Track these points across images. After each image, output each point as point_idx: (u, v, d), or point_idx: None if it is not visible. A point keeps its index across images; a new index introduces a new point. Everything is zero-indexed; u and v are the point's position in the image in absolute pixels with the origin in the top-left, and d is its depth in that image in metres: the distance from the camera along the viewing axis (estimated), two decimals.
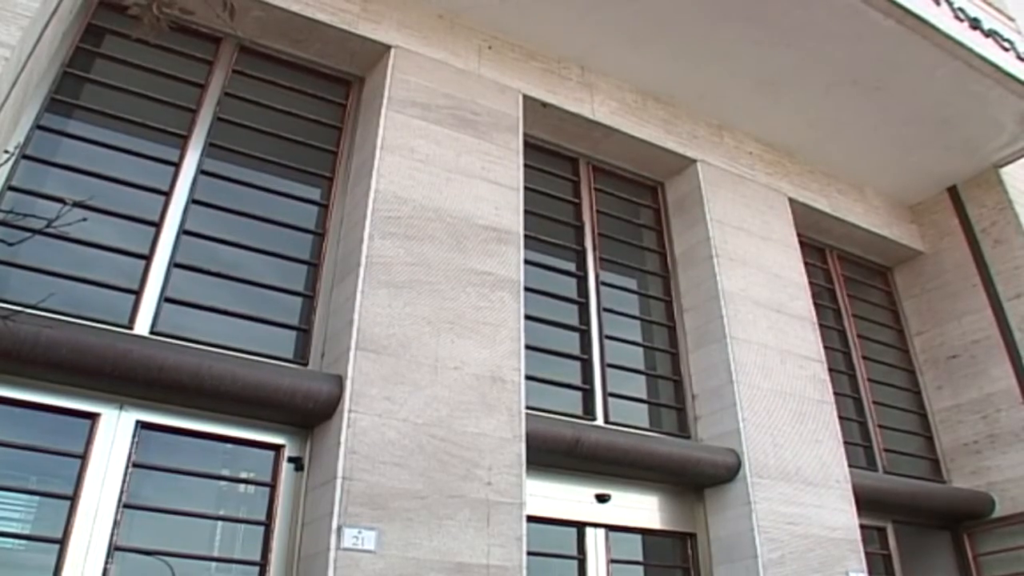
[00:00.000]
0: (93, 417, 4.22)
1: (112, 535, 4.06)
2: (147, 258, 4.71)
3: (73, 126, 4.90)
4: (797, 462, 6.03)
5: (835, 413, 6.53)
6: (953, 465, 7.82)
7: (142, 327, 4.53)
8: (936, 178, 8.40)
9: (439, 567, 4.30)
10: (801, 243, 7.36)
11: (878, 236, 8.28)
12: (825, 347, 6.88)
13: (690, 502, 5.99)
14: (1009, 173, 8.27)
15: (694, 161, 7.00)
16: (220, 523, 4.70)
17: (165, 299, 4.66)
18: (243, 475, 4.81)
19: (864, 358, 7.82)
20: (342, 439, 4.30)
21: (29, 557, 4.26)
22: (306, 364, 4.83)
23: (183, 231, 4.88)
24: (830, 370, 6.80)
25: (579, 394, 5.91)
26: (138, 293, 4.60)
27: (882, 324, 8.38)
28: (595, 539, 5.48)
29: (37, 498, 4.35)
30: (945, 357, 8.17)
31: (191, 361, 4.29)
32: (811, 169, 7.92)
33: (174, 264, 4.77)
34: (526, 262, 5.40)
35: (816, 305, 7.07)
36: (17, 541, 4.37)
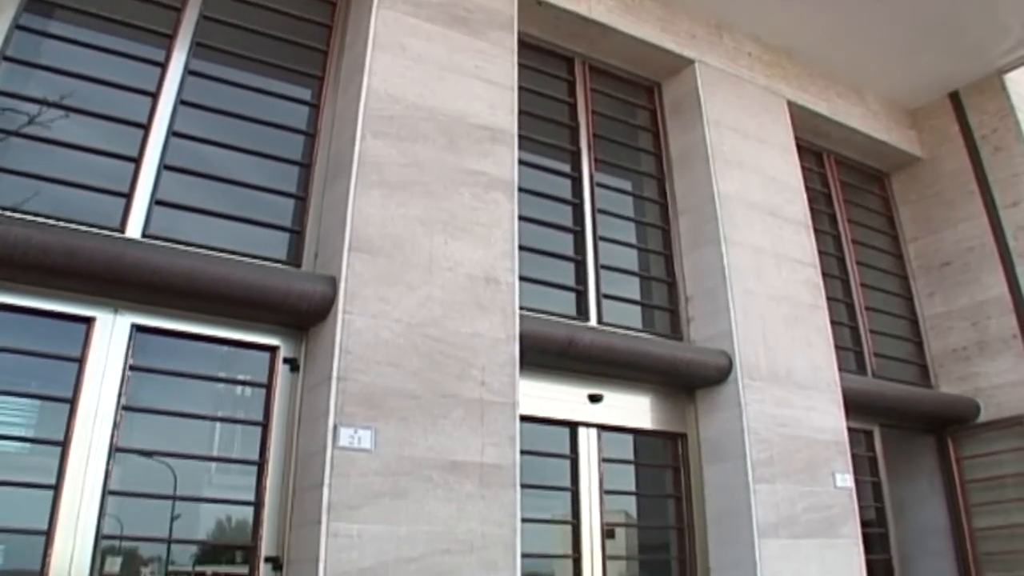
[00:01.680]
0: (89, 321, 4.22)
1: (112, 437, 4.11)
2: (136, 161, 4.63)
3: (55, 27, 4.77)
4: (788, 365, 6.10)
5: (827, 317, 6.57)
6: (941, 371, 7.93)
7: (134, 230, 4.50)
8: (938, 83, 8.27)
9: (434, 465, 4.38)
10: (798, 147, 7.28)
11: (876, 141, 8.20)
12: (819, 252, 6.87)
13: (681, 403, 6.08)
14: (1013, 80, 8.13)
15: (692, 61, 6.86)
16: (218, 425, 4.76)
17: (156, 202, 4.61)
18: (239, 377, 4.84)
19: (858, 263, 7.84)
20: (336, 340, 4.31)
21: (32, 460, 4.33)
22: (299, 266, 4.82)
23: (172, 133, 4.79)
24: (823, 275, 6.81)
25: (573, 295, 5.92)
26: (128, 196, 4.55)
27: (877, 230, 8.38)
28: (587, 438, 5.58)
29: (38, 403, 4.41)
30: (938, 264, 8.20)
31: (184, 263, 4.27)
32: (810, 72, 7.77)
33: (164, 166, 4.70)
34: (520, 162, 5.32)
35: (812, 209, 7.04)
36: (20, 444, 4.44)
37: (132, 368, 4.27)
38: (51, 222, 4.16)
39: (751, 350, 5.94)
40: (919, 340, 8.08)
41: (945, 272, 8.12)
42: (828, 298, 6.74)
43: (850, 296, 7.64)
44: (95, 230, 4.31)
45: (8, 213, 3.85)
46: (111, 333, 4.26)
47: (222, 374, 4.82)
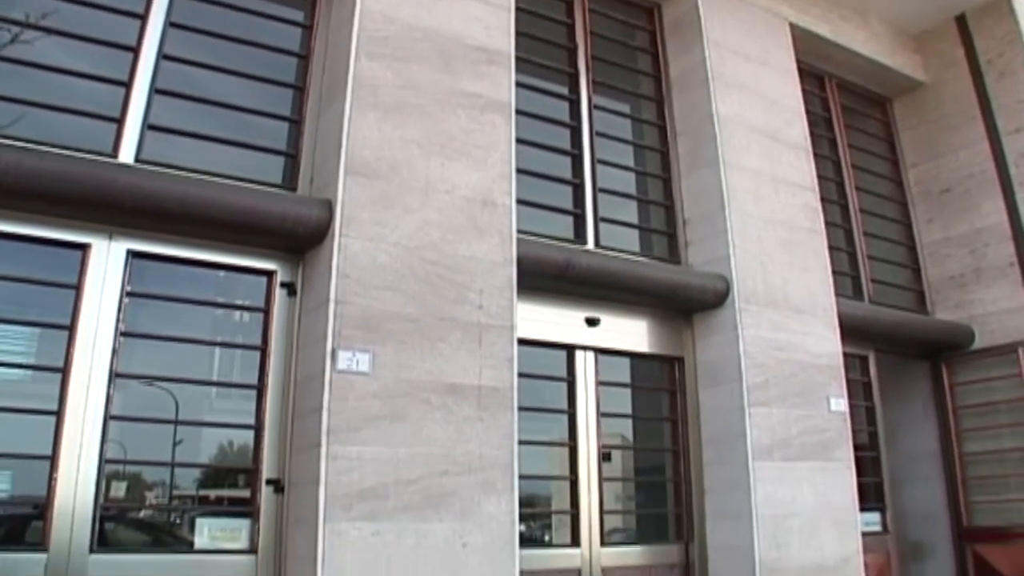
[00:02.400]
0: (84, 248, 4.20)
1: (112, 363, 4.13)
2: (126, 85, 4.55)
3: None
4: (785, 289, 6.10)
5: (825, 242, 6.56)
6: (938, 297, 7.95)
7: (126, 156, 4.44)
8: (944, 6, 8.10)
9: (432, 388, 4.41)
10: (800, 70, 7.15)
11: (879, 65, 8.05)
12: (819, 176, 6.82)
13: (678, 327, 6.10)
14: (1022, 3, 7.95)
15: None
16: (218, 351, 4.79)
17: (148, 126, 4.54)
18: (237, 303, 4.84)
19: (857, 188, 7.79)
20: (333, 264, 4.29)
21: (34, 388, 4.35)
22: (295, 190, 4.77)
23: (162, 56, 4.69)
24: (822, 199, 6.77)
25: (570, 219, 5.90)
26: (119, 121, 4.48)
27: (877, 155, 8.30)
28: (584, 361, 5.62)
29: (37, 331, 4.41)
30: (938, 190, 8.15)
31: (178, 188, 4.23)
32: None
33: (155, 90, 4.62)
34: (518, 85, 5.23)
35: (812, 133, 6.96)
36: (22, 372, 4.46)
37: (129, 294, 4.27)
38: (41, 148, 4.09)
39: (748, 274, 5.93)
40: (916, 266, 8.08)
41: (944, 199, 8.07)
42: (826, 223, 6.71)
43: (848, 221, 7.60)
44: (87, 155, 4.24)
45: None
46: (106, 259, 4.25)
47: (220, 300, 4.81)
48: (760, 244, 6.08)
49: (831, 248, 6.67)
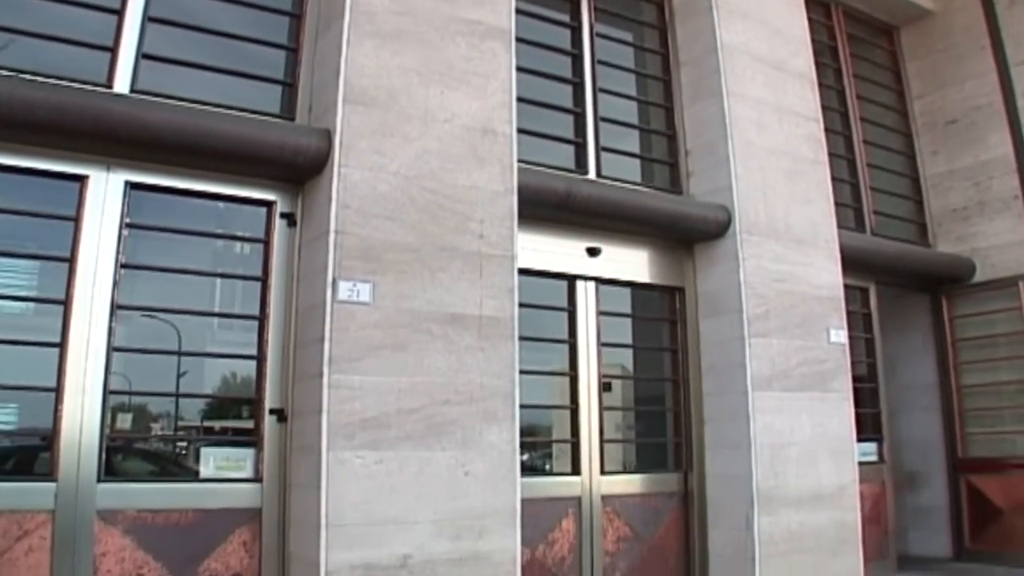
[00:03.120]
0: (81, 180, 4.17)
1: (113, 295, 4.13)
2: (119, 13, 4.45)
3: None
4: (787, 220, 6.08)
5: (828, 173, 6.50)
6: (940, 230, 7.93)
7: (121, 86, 4.37)
8: None
9: (433, 318, 4.42)
10: None
11: None
12: (823, 107, 6.72)
13: (679, 257, 6.10)
14: None
15: None
16: (219, 283, 4.79)
17: (142, 56, 4.46)
18: (237, 234, 4.82)
19: (861, 119, 7.70)
20: (333, 193, 4.27)
21: (37, 321, 4.36)
22: (293, 119, 4.71)
23: None
24: (826, 130, 6.69)
25: (571, 148, 5.85)
26: (113, 51, 4.40)
27: (883, 85, 8.19)
28: (585, 292, 5.63)
29: (38, 264, 4.40)
30: (943, 122, 8.06)
31: (175, 118, 4.19)
32: None
33: (148, 18, 4.52)
34: (518, 11, 5.10)
35: (817, 63, 6.83)
36: (23, 305, 4.47)
37: (128, 226, 4.25)
38: (33, 78, 4.02)
39: (750, 205, 5.90)
40: (919, 199, 8.04)
41: (950, 130, 7.99)
42: (830, 154, 6.64)
43: (852, 152, 7.53)
44: (81, 86, 4.18)
45: None
46: (105, 191, 4.22)
47: (220, 232, 4.79)
48: (762, 175, 6.03)
49: (834, 179, 6.61)
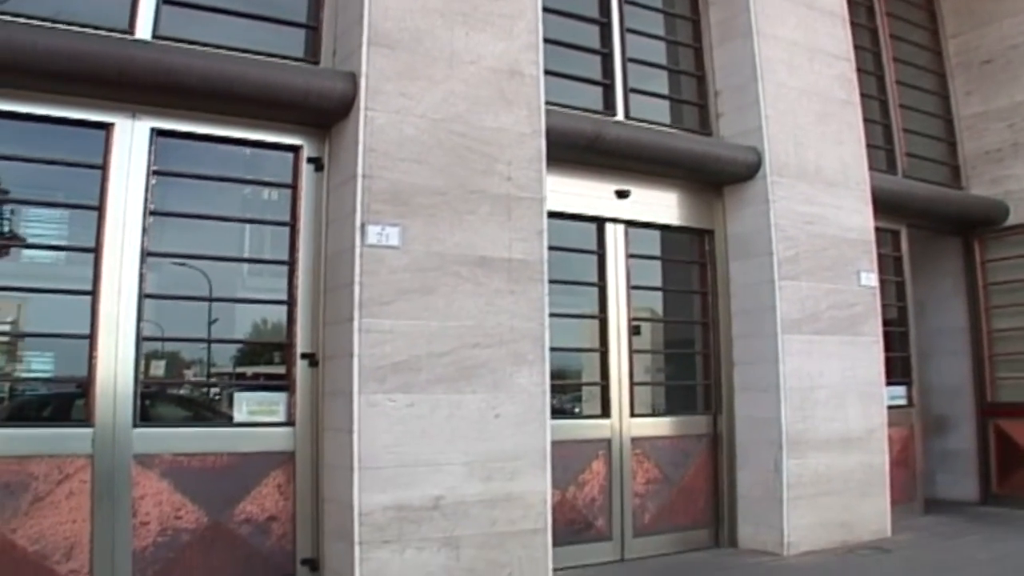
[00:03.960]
0: (107, 127, 4.16)
1: (143, 243, 4.14)
2: None
3: None
4: (818, 162, 5.99)
5: (859, 114, 6.39)
6: (973, 172, 7.79)
7: (143, 32, 4.32)
8: None
9: (462, 261, 4.41)
10: None
11: None
12: (855, 46, 6.57)
13: (709, 199, 6.04)
14: None
15: None
16: (247, 230, 4.80)
17: (164, 1, 4.40)
18: (265, 179, 4.80)
19: (894, 59, 7.52)
20: (360, 137, 4.24)
21: (68, 270, 4.40)
22: (317, 63, 4.67)
23: None
24: (858, 70, 6.56)
25: (599, 90, 5.76)
26: None
27: (916, 24, 7.97)
28: (614, 234, 5.60)
29: (67, 213, 4.44)
30: (979, 62, 7.85)
31: (199, 63, 4.16)
32: None
33: None
34: None
35: (849, 1, 6.64)
36: (55, 255, 4.52)
37: (156, 173, 4.24)
38: (55, 26, 3.98)
39: (780, 147, 5.81)
40: (952, 140, 7.88)
41: (985, 70, 7.79)
42: (861, 94, 6.50)
43: (884, 93, 7.36)
44: (103, 32, 4.13)
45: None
46: (131, 138, 4.20)
47: (247, 178, 4.78)
48: (793, 116, 5.93)
49: (866, 120, 6.49)
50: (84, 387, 4.03)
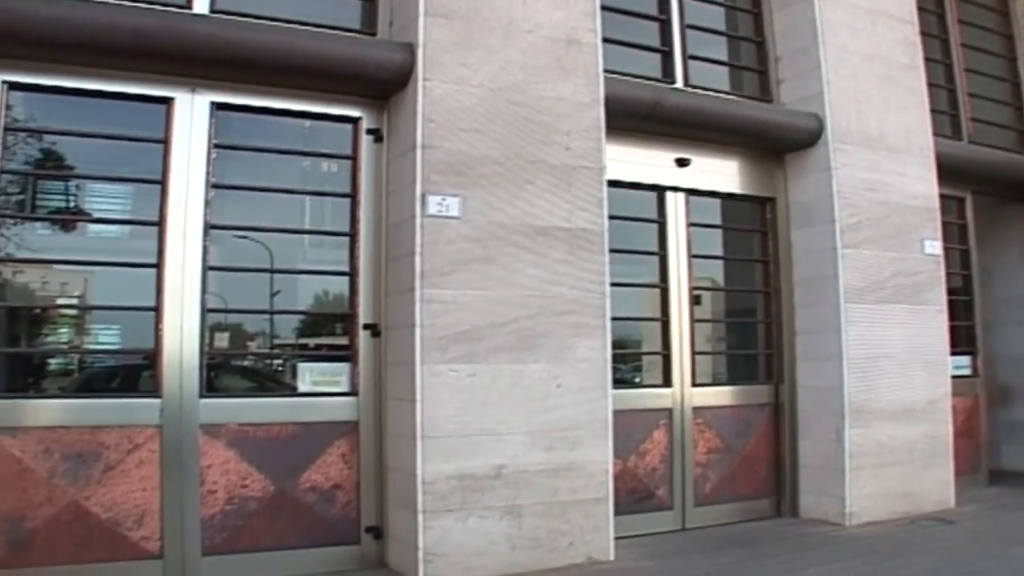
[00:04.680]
0: (167, 102, 4.21)
1: (205, 216, 4.20)
2: None
3: None
4: (881, 128, 5.85)
5: (923, 79, 6.22)
6: None
7: (200, 6, 4.33)
8: None
9: (523, 230, 4.41)
10: None
11: None
12: (919, 8, 6.37)
13: (770, 167, 5.94)
14: None
15: None
16: (308, 202, 4.83)
17: None
18: (324, 151, 4.82)
19: (959, 21, 7.28)
20: (418, 108, 4.24)
21: (132, 244, 4.46)
22: (374, 34, 4.66)
23: None
24: (922, 33, 6.36)
25: (658, 57, 5.67)
26: None
27: None
28: (675, 203, 5.54)
29: (131, 188, 4.48)
30: None
31: (257, 37, 4.18)
32: None
33: None
34: None
35: None
36: (120, 229, 4.58)
37: (216, 146, 4.28)
38: (116, 2, 4.01)
39: (842, 112, 5.68)
40: (1020, 105, 7.61)
41: None
42: (925, 58, 6.32)
43: (948, 57, 7.14)
44: (161, 7, 4.16)
45: None
46: (191, 113, 4.25)
47: (307, 150, 4.81)
48: (855, 81, 5.79)
49: (930, 85, 6.32)
50: (151, 358, 4.11)
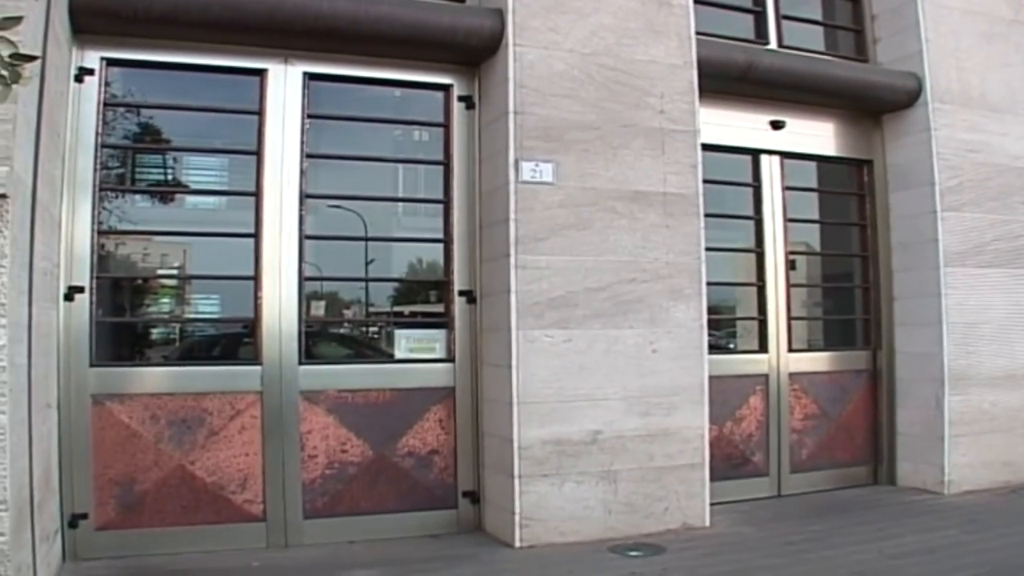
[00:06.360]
0: (261, 73, 4.28)
1: (301, 185, 4.26)
2: None
3: None
4: (982, 87, 5.63)
5: None
6: None
7: None
8: None
9: (616, 195, 4.37)
10: None
11: None
12: None
13: (867, 129, 5.78)
14: None
15: None
16: (401, 171, 4.88)
17: None
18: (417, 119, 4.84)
19: None
20: (509, 74, 4.23)
21: (230, 215, 4.59)
22: (463, 1, 4.64)
23: None
24: None
25: (751, 17, 5.54)
26: None
27: None
28: (770, 166, 5.44)
29: (227, 160, 4.61)
30: None
31: (347, 6, 4.19)
32: None
33: None
34: None
35: None
36: (217, 201, 4.72)
37: (310, 116, 4.33)
38: None
39: (942, 71, 5.49)
40: None
41: None
42: None
43: None
44: None
45: None
46: (284, 83, 4.31)
47: (399, 118, 4.84)
48: (955, 38, 5.58)
49: None
50: (251, 327, 4.21)
